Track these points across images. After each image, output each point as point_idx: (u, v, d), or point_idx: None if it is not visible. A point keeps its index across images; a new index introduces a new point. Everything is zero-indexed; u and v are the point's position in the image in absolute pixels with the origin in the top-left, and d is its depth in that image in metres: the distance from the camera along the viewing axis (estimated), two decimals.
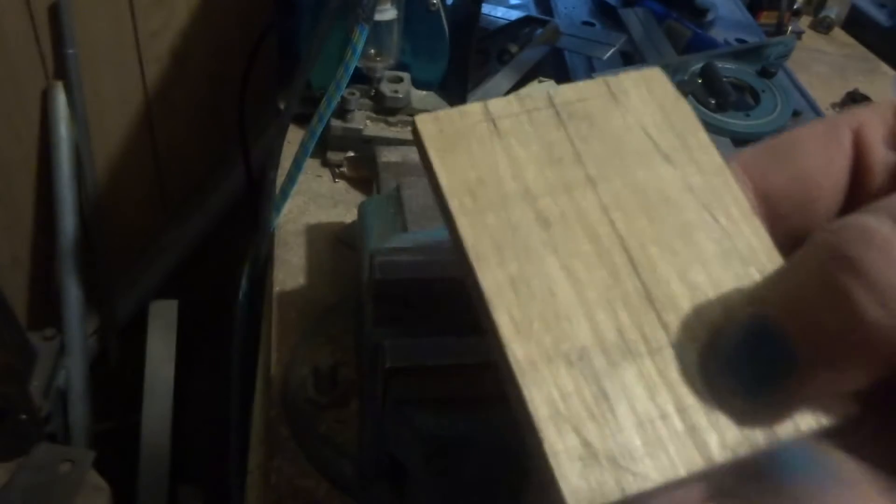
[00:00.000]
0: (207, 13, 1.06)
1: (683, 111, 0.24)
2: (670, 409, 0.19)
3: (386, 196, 0.51)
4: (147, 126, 1.12)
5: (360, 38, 0.61)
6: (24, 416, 0.86)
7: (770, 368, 0.17)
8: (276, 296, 0.62)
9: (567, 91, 0.24)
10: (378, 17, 0.65)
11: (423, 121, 0.23)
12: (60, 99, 1.00)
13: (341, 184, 0.73)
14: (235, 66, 0.93)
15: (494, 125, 0.23)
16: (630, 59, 0.90)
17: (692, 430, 0.19)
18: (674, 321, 0.20)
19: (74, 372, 1.07)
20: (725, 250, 0.21)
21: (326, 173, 0.74)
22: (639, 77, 0.25)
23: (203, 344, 1.23)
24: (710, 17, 0.96)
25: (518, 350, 0.19)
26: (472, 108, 0.23)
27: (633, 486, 0.18)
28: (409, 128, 0.62)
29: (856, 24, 1.11)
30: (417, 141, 0.23)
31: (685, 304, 0.20)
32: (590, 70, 0.86)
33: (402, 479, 0.42)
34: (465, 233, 0.21)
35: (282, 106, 0.70)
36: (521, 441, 0.19)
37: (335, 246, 0.66)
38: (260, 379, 0.60)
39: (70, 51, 0.97)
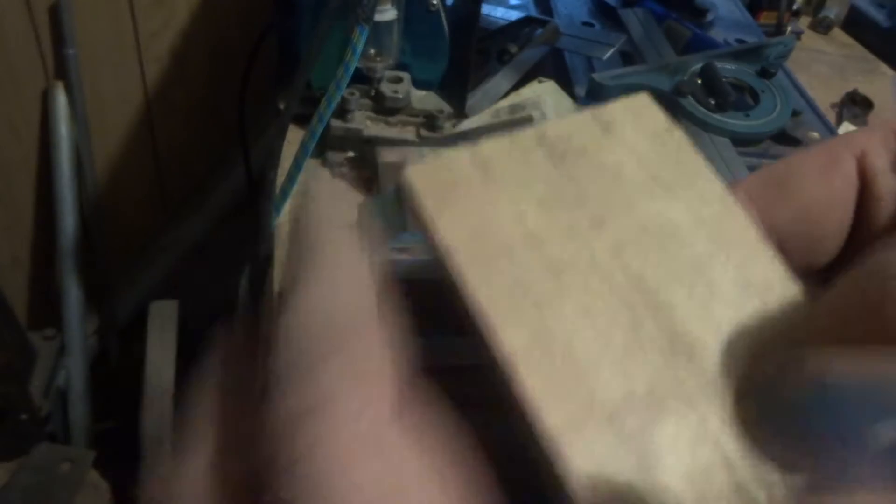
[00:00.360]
0: (207, 13, 1.06)
1: (678, 139, 0.23)
2: (716, 464, 0.18)
3: (386, 196, 0.51)
4: (147, 126, 1.12)
5: (360, 38, 0.61)
6: (24, 416, 0.86)
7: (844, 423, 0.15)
8: (276, 296, 0.62)
9: (556, 127, 0.23)
10: (378, 17, 0.65)
11: (415, 174, 0.22)
12: (60, 99, 1.00)
13: (341, 184, 0.73)
14: (235, 66, 0.93)
15: (486, 171, 0.22)
16: (630, 59, 0.90)
17: (739, 488, 0.18)
18: (703, 365, 0.19)
19: (74, 372, 1.07)
20: (742, 284, 0.21)
21: (326, 173, 0.74)
22: (627, 106, 0.23)
23: (203, 344, 1.23)
24: (709, 17, 0.96)
25: (549, 418, 0.18)
26: (460, 155, 0.22)
27: None
28: (410, 128, 0.62)
29: (855, 25, 1.11)
30: (409, 195, 0.22)
31: (712, 345, 0.20)
32: (589, 70, 0.86)
33: None
34: (474, 291, 0.19)
35: (282, 106, 0.70)
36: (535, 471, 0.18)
37: None
38: None
39: (70, 51, 0.97)
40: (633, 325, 0.19)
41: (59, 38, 0.97)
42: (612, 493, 0.17)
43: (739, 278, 0.21)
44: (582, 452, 0.17)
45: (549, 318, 0.19)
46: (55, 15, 0.96)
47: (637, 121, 0.23)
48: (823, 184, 0.19)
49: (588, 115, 0.23)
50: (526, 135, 0.23)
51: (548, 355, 0.18)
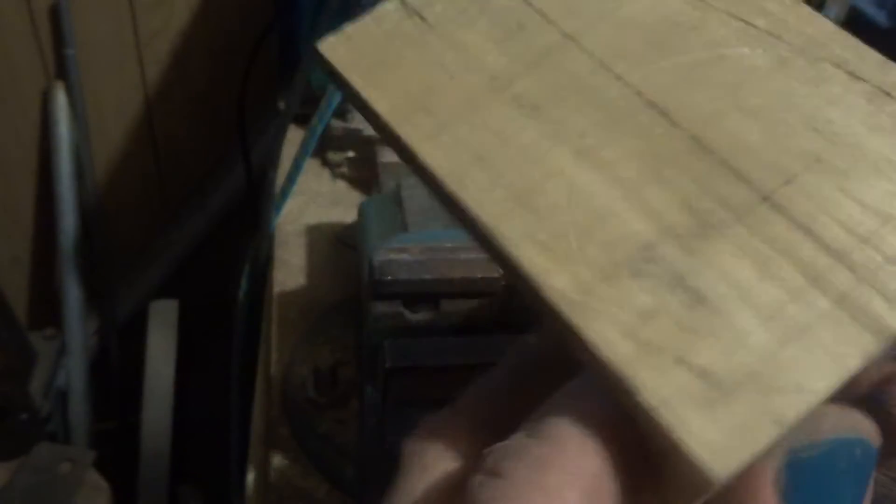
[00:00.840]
0: (207, 13, 1.06)
1: None
2: (800, 281, 0.13)
3: (386, 196, 0.52)
4: (147, 126, 1.12)
5: None
6: (24, 416, 0.86)
7: None
8: (276, 296, 0.62)
9: None
10: None
11: (328, 46, 0.18)
12: (60, 99, 1.00)
13: (341, 184, 0.73)
14: (235, 66, 0.93)
15: (420, 17, 0.18)
16: None
17: (844, 299, 0.13)
18: (751, 164, 0.14)
19: (74, 372, 1.07)
20: (777, 57, 0.16)
21: (326, 173, 0.74)
22: None
23: (203, 344, 1.23)
24: None
25: (559, 281, 0.14)
26: (386, 8, 0.18)
27: (794, 409, 0.12)
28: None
29: (855, 25, 1.11)
30: (329, 71, 0.18)
31: (755, 138, 0.15)
32: None
33: None
34: (432, 161, 0.15)
35: (282, 106, 0.70)
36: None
37: (335, 246, 0.66)
38: (260, 379, 0.60)
39: (70, 51, 0.97)
40: (646, 144, 0.15)
41: (59, 39, 0.97)
42: (673, 357, 0.13)
43: (772, 53, 0.16)
44: (615, 313, 0.13)
45: (535, 166, 0.15)
46: (55, 15, 0.96)
47: None
48: None
49: None
50: None
51: (544, 210, 0.15)
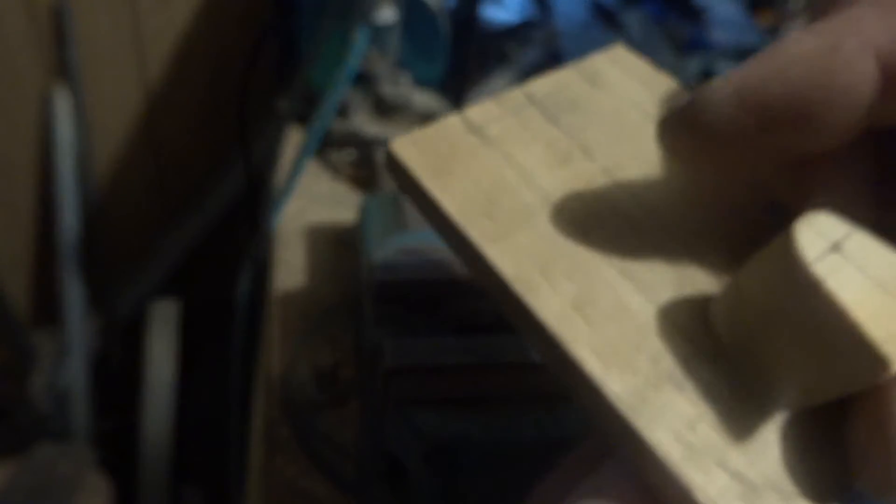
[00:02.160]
0: (208, 14, 1.06)
1: (662, 79, 0.22)
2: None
3: (386, 196, 0.52)
4: (147, 126, 1.12)
5: (360, 38, 0.62)
6: (24, 416, 0.86)
7: None
8: (276, 296, 0.62)
9: (543, 85, 0.21)
10: (378, 17, 0.65)
11: (401, 146, 0.19)
12: (61, 99, 1.00)
13: (341, 184, 0.73)
14: (235, 66, 0.93)
15: (482, 135, 0.20)
16: None
17: None
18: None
19: (74, 372, 1.07)
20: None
21: (326, 173, 0.74)
22: (606, 57, 0.22)
23: (203, 344, 1.23)
24: (707, 18, 0.96)
25: (616, 385, 0.16)
26: (451, 122, 0.20)
27: None
28: (409, 126, 0.63)
29: None
30: (398, 171, 0.19)
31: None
32: None
33: (402, 479, 0.42)
34: (500, 263, 0.17)
35: (282, 106, 0.70)
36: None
37: (335, 246, 0.66)
38: (260, 379, 0.60)
39: (70, 51, 0.97)
40: (674, 270, 0.18)
41: (59, 39, 0.97)
42: (715, 461, 0.15)
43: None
44: (666, 418, 0.15)
45: (589, 279, 0.17)
46: (55, 15, 0.96)
47: (621, 69, 0.22)
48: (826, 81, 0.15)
49: (572, 70, 0.22)
50: (513, 95, 0.21)
51: (597, 320, 0.16)
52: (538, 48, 0.88)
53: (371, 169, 0.69)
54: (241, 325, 0.73)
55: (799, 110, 0.14)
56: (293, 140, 0.71)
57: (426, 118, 0.72)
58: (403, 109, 0.72)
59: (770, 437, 0.15)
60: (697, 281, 0.18)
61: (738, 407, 0.16)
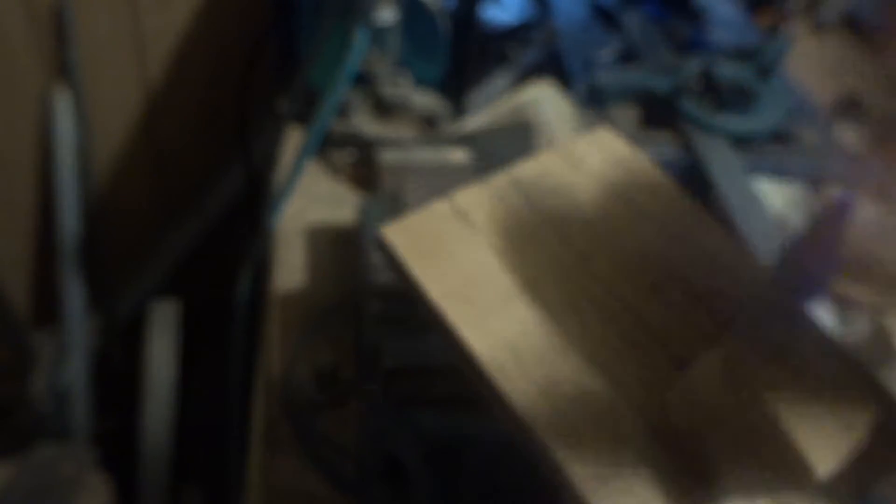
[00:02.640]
0: (208, 14, 1.06)
1: (643, 164, 0.23)
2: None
3: (386, 196, 0.52)
4: (147, 126, 1.12)
5: (360, 38, 0.62)
6: (24, 416, 0.86)
7: None
8: (276, 296, 0.62)
9: (528, 169, 0.23)
10: (378, 17, 0.66)
11: (392, 232, 0.20)
12: (61, 99, 1.00)
13: (341, 184, 0.73)
14: (235, 66, 0.93)
15: (466, 219, 0.20)
16: (628, 60, 0.90)
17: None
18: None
19: (74, 372, 1.07)
20: (734, 297, 0.20)
21: (326, 173, 0.74)
22: (590, 140, 0.24)
23: (203, 344, 1.23)
24: (706, 18, 0.96)
25: (580, 468, 0.16)
26: (439, 208, 0.22)
27: None
28: (409, 126, 0.63)
29: (852, 25, 1.11)
30: (390, 252, 0.21)
31: None
32: (588, 71, 0.86)
33: (402, 479, 0.42)
34: (475, 345, 0.18)
35: (282, 106, 0.70)
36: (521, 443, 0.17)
37: (335, 246, 0.66)
38: (260, 379, 0.60)
39: (70, 51, 0.97)
40: (644, 357, 0.19)
41: (59, 38, 0.97)
42: None
43: (732, 293, 0.20)
44: (613, 502, 0.16)
45: (557, 366, 0.17)
46: (55, 15, 0.96)
47: (602, 153, 0.24)
48: None
49: (556, 154, 0.23)
50: (499, 180, 0.23)
51: (562, 405, 0.17)
52: (538, 48, 0.88)
53: (371, 169, 0.69)
54: (241, 325, 0.73)
55: None
56: (293, 140, 0.71)
57: (426, 118, 0.72)
58: (403, 109, 0.72)
59: None
60: (661, 369, 0.19)
61: (690, 492, 0.16)
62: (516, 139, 0.72)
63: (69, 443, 1.05)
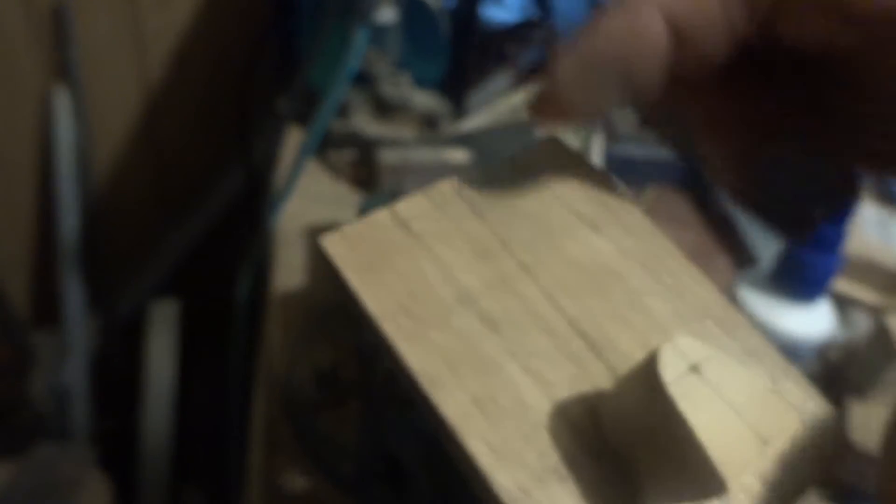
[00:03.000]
0: (208, 14, 1.06)
1: (594, 174, 0.23)
2: None
3: (386, 196, 0.52)
4: (147, 126, 1.12)
5: (360, 38, 0.62)
6: (24, 416, 0.86)
7: None
8: (276, 296, 0.62)
9: (474, 177, 0.22)
10: (378, 18, 0.65)
11: (331, 242, 0.21)
12: (61, 99, 1.00)
13: (341, 184, 0.73)
14: (235, 66, 0.93)
15: (408, 229, 0.21)
16: None
17: None
18: None
19: (74, 372, 1.07)
20: (678, 309, 0.21)
21: (326, 173, 0.74)
22: (539, 150, 0.23)
23: (203, 344, 1.23)
24: None
25: (504, 479, 0.17)
26: (380, 217, 0.21)
27: None
28: (409, 126, 0.63)
29: None
30: (329, 263, 0.21)
31: None
32: None
33: (402, 479, 0.42)
34: (410, 359, 0.19)
35: (282, 106, 0.70)
36: None
37: None
38: (260, 379, 0.60)
39: (70, 51, 0.97)
40: (577, 369, 0.19)
41: (59, 39, 0.97)
42: None
43: (675, 305, 0.21)
44: None
45: (492, 376, 0.18)
46: (56, 15, 0.96)
47: (552, 162, 0.23)
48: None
49: (505, 163, 0.23)
50: (443, 188, 0.22)
51: (495, 416, 0.18)
52: (538, 48, 0.88)
53: (371, 169, 0.69)
54: (241, 325, 0.73)
55: (622, 68, 0.19)
56: (293, 140, 0.71)
57: (426, 118, 0.72)
58: (403, 109, 0.72)
59: None
60: (596, 379, 0.19)
61: (616, 503, 0.17)
62: (516, 139, 0.72)
63: (69, 443, 1.05)
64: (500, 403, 0.18)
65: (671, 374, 0.16)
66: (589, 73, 0.19)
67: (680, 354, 0.16)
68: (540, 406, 0.18)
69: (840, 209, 0.21)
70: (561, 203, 0.22)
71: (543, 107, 0.20)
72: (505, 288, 0.20)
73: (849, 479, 0.52)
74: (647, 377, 0.16)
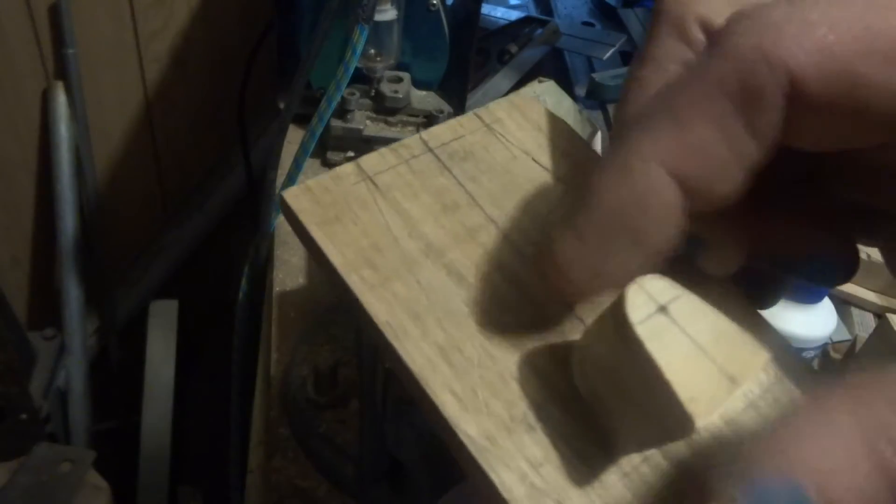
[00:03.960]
0: (207, 13, 1.06)
1: (563, 129, 0.23)
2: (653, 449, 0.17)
3: None
4: (147, 126, 1.12)
5: (360, 38, 0.61)
6: (24, 416, 0.86)
7: None
8: (276, 296, 0.62)
9: (441, 131, 0.22)
10: (378, 17, 0.65)
11: (292, 195, 0.20)
12: (60, 99, 1.00)
13: None
14: (235, 66, 0.93)
15: (373, 183, 0.21)
16: (630, 59, 0.90)
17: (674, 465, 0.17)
18: None
19: (74, 372, 1.07)
20: None
21: (326, 173, 0.74)
22: (509, 104, 0.23)
23: (203, 344, 1.23)
24: None
25: (470, 428, 0.17)
26: (345, 170, 0.21)
27: None
28: (410, 128, 0.63)
29: None
30: (291, 218, 0.20)
31: None
32: (590, 70, 0.86)
33: (402, 479, 0.42)
34: (374, 310, 0.18)
35: (282, 106, 0.70)
36: None
37: None
38: (260, 379, 0.60)
39: (70, 51, 0.97)
40: (543, 319, 0.19)
41: (59, 38, 0.97)
42: (554, 502, 0.17)
43: None
44: (513, 460, 0.17)
45: (458, 327, 0.18)
46: (55, 15, 0.96)
47: (521, 117, 0.23)
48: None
49: (472, 116, 0.23)
50: (410, 142, 0.22)
51: (461, 366, 0.18)
52: (539, 47, 0.87)
53: None
54: (241, 325, 0.73)
55: (633, 238, 0.17)
56: (293, 140, 0.71)
57: (426, 118, 0.72)
58: (403, 109, 0.72)
59: (613, 480, 0.17)
60: (565, 329, 0.19)
61: (585, 450, 0.17)
62: None
63: (69, 443, 1.05)
64: (467, 354, 0.18)
65: (638, 315, 0.16)
66: (596, 254, 0.17)
67: (647, 295, 0.16)
68: (507, 356, 0.18)
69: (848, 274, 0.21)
70: (528, 156, 0.22)
71: (559, 288, 0.18)
72: (471, 241, 0.20)
73: None
74: (614, 319, 0.16)
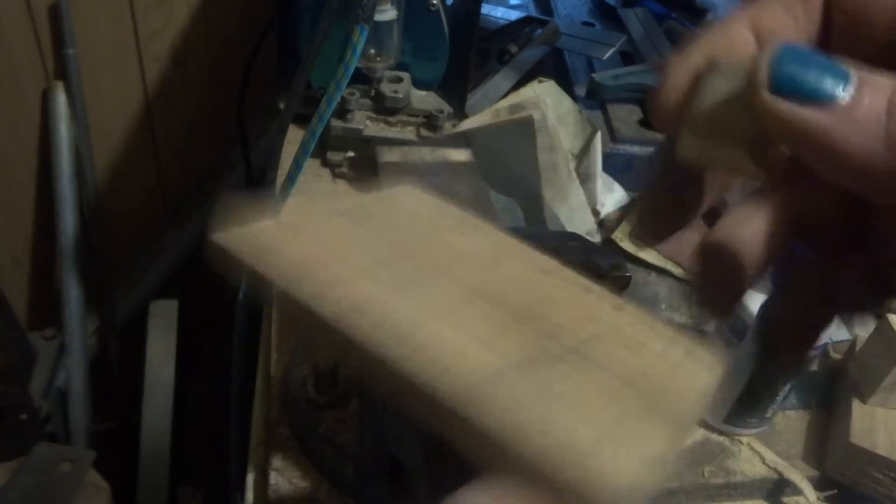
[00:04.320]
0: (207, 13, 1.06)
1: (452, 208, 0.28)
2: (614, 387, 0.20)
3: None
4: (147, 126, 1.12)
5: (360, 38, 0.61)
6: (24, 416, 0.86)
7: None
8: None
9: (346, 203, 0.27)
10: (378, 17, 0.65)
11: (220, 238, 0.23)
12: (60, 99, 1.00)
13: (341, 184, 0.73)
14: (235, 66, 0.93)
15: (297, 228, 0.24)
16: (630, 59, 0.90)
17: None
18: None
19: (74, 372, 1.07)
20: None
21: (326, 173, 0.74)
22: (401, 190, 0.29)
23: (203, 344, 1.23)
24: (709, 17, 0.96)
25: (447, 387, 0.19)
26: (266, 224, 0.24)
27: None
28: (409, 128, 0.64)
29: None
30: (222, 257, 0.23)
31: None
32: (589, 70, 0.86)
33: (402, 479, 0.42)
34: (322, 311, 0.20)
35: (282, 106, 0.70)
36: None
37: None
38: (260, 379, 0.60)
39: (70, 51, 0.97)
40: (491, 313, 0.22)
41: (58, 39, 0.97)
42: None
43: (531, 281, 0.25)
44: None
45: (409, 324, 0.21)
46: (55, 15, 0.96)
47: (412, 199, 0.28)
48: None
49: (372, 196, 0.29)
50: (321, 208, 0.26)
51: (419, 350, 0.20)
52: (539, 47, 0.87)
53: (371, 169, 0.69)
54: (241, 325, 0.73)
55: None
56: (293, 140, 0.71)
57: (426, 118, 0.72)
58: (403, 109, 0.72)
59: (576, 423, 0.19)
60: (508, 321, 0.22)
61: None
62: (517, 138, 0.72)
63: (69, 443, 1.05)
64: (420, 337, 0.20)
65: None
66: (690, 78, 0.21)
67: None
68: (457, 338, 0.20)
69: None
70: (427, 218, 0.27)
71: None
72: (401, 265, 0.23)
73: (849, 479, 0.52)
74: None
